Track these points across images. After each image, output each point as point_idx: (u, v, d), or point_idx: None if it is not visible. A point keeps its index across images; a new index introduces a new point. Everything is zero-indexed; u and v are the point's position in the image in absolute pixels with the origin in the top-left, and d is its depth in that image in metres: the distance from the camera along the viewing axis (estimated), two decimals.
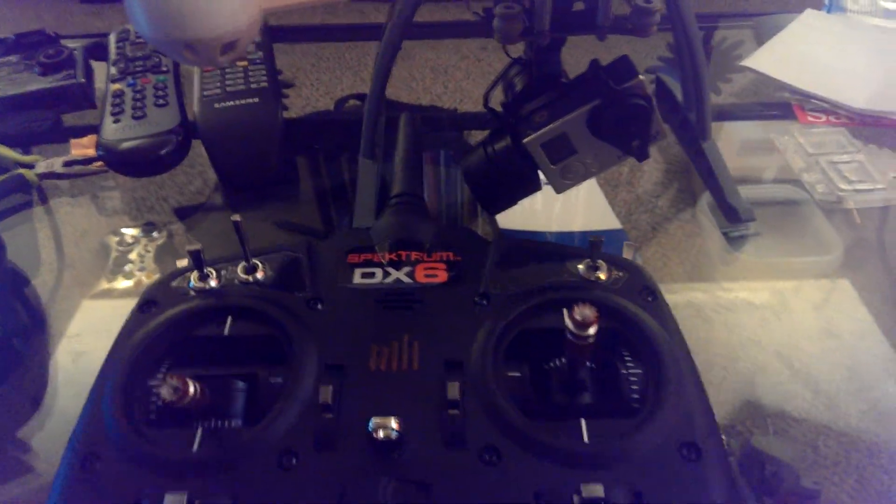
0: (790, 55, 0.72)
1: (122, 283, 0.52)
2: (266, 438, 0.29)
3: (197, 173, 0.61)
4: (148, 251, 0.54)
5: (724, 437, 0.41)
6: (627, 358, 0.32)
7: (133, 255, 0.54)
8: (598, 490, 0.26)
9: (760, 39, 0.75)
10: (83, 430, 0.29)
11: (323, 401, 0.29)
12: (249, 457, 0.28)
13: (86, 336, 0.47)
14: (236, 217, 0.33)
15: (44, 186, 0.58)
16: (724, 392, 0.45)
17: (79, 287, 0.52)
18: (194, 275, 0.35)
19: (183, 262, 0.37)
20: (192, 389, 0.27)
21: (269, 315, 0.33)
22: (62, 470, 0.28)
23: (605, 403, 0.31)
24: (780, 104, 0.68)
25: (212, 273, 0.35)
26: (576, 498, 0.26)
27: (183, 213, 0.58)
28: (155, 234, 0.55)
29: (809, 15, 0.77)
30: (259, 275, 0.35)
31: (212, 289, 0.35)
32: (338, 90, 0.75)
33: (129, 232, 0.56)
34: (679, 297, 0.52)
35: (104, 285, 0.52)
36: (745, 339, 0.49)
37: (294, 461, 0.28)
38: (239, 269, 0.35)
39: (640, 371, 0.32)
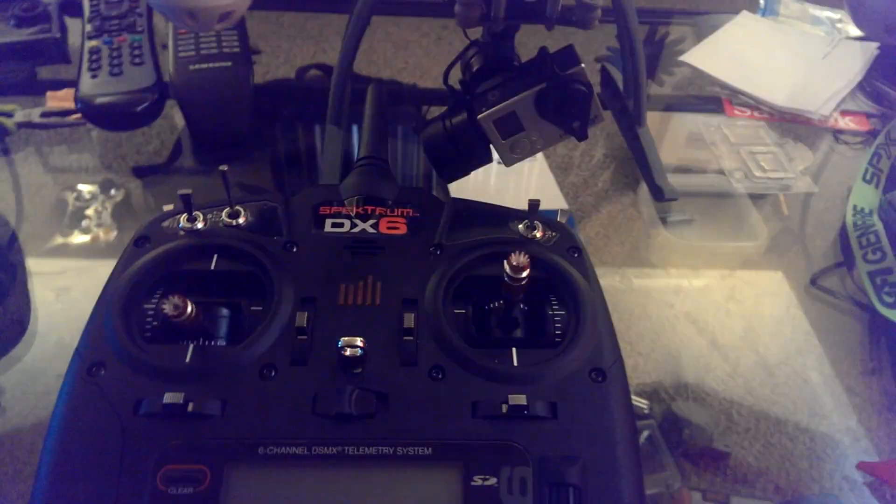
0: (724, 53, 0.77)
1: (79, 238, 0.54)
2: (249, 354, 0.33)
3: (154, 135, 0.63)
4: (105, 208, 0.56)
5: (646, 401, 0.47)
6: (553, 301, 0.37)
7: (90, 212, 0.56)
8: (521, 399, 0.31)
9: (701, 36, 0.80)
10: (88, 342, 0.33)
11: (298, 324, 0.33)
12: (235, 369, 0.32)
13: (69, 275, 0.51)
14: (224, 167, 0.37)
15: (18, 135, 0.60)
16: (651, 362, 0.50)
17: (33, 240, 0.54)
18: (183, 217, 0.39)
19: (169, 207, 0.41)
20: (189, 308, 0.31)
21: (251, 254, 0.37)
22: (69, 377, 0.32)
23: (533, 337, 0.36)
24: (712, 98, 0.73)
25: (199, 216, 0.39)
26: (504, 406, 0.32)
27: (140, 172, 0.60)
28: (113, 191, 0.57)
29: (744, 17, 0.83)
30: (241, 220, 0.39)
31: (199, 229, 0.39)
32: (298, 59, 0.76)
33: (87, 188, 0.58)
34: (616, 274, 0.56)
35: (59, 240, 0.54)
36: (673, 316, 0.53)
37: (273, 373, 0.33)
38: (223, 214, 0.39)
39: (563, 312, 0.37)
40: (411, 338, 0.34)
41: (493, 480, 0.30)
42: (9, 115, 0.59)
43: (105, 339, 0.33)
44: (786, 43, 0.80)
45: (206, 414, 0.31)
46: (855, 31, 0.81)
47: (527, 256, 0.33)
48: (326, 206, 0.41)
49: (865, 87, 0.74)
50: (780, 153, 0.67)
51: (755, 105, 0.72)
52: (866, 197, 0.59)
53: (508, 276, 0.34)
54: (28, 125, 0.60)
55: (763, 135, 0.69)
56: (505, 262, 0.33)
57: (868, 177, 0.61)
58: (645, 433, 0.46)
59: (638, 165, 0.62)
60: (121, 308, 0.34)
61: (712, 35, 0.80)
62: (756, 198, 0.63)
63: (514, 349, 0.35)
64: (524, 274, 0.33)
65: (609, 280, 0.55)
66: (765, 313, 0.54)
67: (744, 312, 0.54)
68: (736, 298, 0.55)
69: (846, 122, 0.70)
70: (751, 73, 0.74)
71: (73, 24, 0.68)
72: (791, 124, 0.70)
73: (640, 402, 0.47)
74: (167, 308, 0.31)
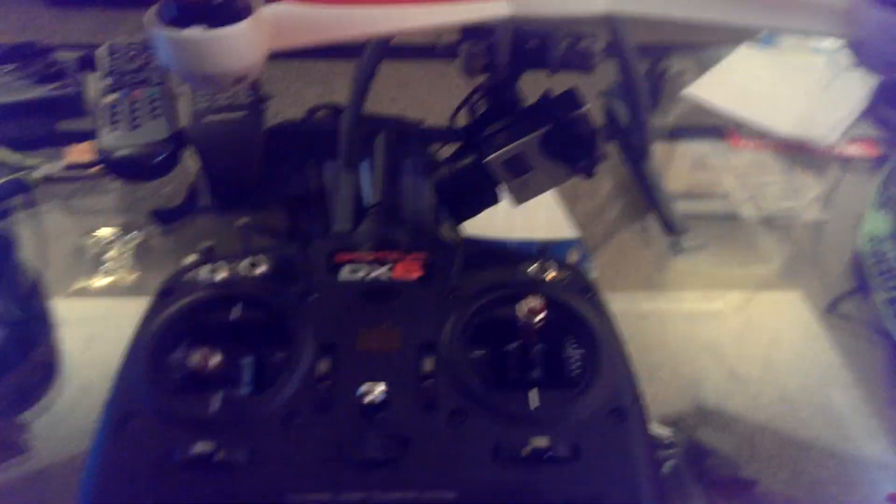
0: (726, 85, 0.78)
1: (101, 281, 0.55)
2: (273, 403, 0.34)
3: (170, 177, 0.63)
4: (126, 250, 0.58)
5: (669, 430, 0.47)
6: (571, 342, 0.38)
7: (111, 254, 0.57)
8: (543, 441, 0.32)
9: (702, 68, 0.81)
10: (118, 395, 0.34)
11: (320, 372, 0.34)
12: (260, 418, 0.33)
13: (97, 322, 0.52)
14: (243, 220, 0.38)
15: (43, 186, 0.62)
16: (671, 390, 0.50)
17: (56, 284, 0.55)
18: (205, 268, 0.40)
19: (191, 258, 0.42)
20: (214, 360, 0.32)
21: (271, 303, 0.38)
22: (101, 430, 0.33)
23: (551, 378, 0.37)
24: (717, 129, 0.73)
25: (220, 267, 0.40)
26: (525, 449, 0.32)
27: (158, 215, 0.61)
28: (133, 233, 0.59)
29: (745, 49, 0.84)
30: (261, 269, 0.40)
31: (220, 281, 0.40)
32: (307, 100, 0.77)
33: (107, 232, 0.59)
34: (631, 302, 0.56)
35: (82, 283, 0.55)
36: (692, 343, 0.53)
37: (297, 421, 0.33)
38: (243, 265, 0.40)
39: (580, 352, 0.37)
40: (431, 381, 0.35)
41: None
42: (33, 169, 0.61)
43: (134, 392, 0.34)
44: (788, 73, 0.81)
45: (234, 463, 0.32)
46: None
47: (541, 300, 0.34)
48: (342, 253, 0.42)
49: (871, 112, 0.74)
50: (787, 182, 0.67)
51: (760, 135, 0.72)
52: (879, 224, 0.59)
53: (523, 319, 0.34)
54: (52, 179, 0.61)
55: (770, 164, 0.69)
56: (518, 306, 0.34)
57: (880, 203, 0.61)
58: (669, 463, 0.45)
59: (646, 199, 0.63)
60: (148, 360, 0.35)
61: (714, 67, 0.81)
62: (767, 224, 0.63)
63: (532, 391, 0.35)
64: (539, 317, 0.34)
65: (624, 307, 0.55)
66: (783, 340, 0.54)
67: (762, 340, 0.54)
68: (753, 326, 0.55)
69: (854, 149, 0.71)
70: (755, 103, 0.75)
71: (92, 79, 0.70)
72: (798, 153, 0.71)
73: (662, 432, 0.47)
74: (194, 360, 0.32)
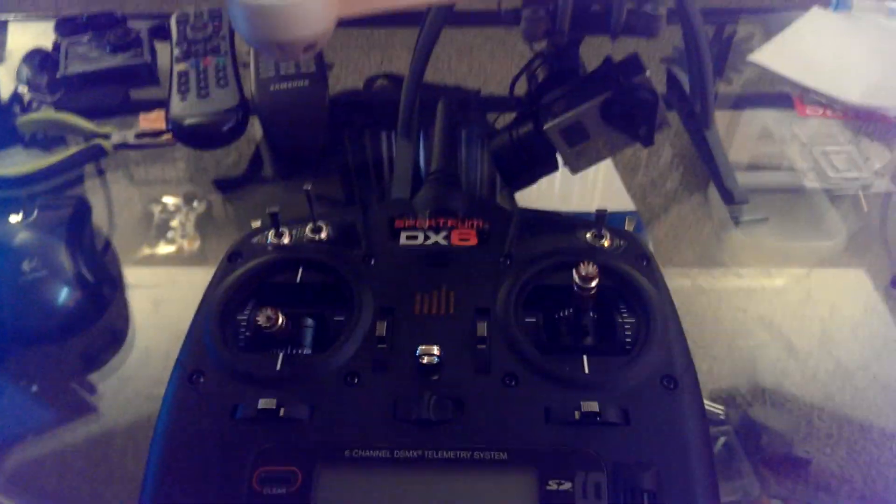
0: (794, 51, 0.75)
1: (165, 249, 0.57)
2: (334, 362, 0.35)
3: (233, 148, 0.65)
4: (189, 219, 0.59)
5: (722, 406, 0.47)
6: (623, 310, 0.38)
7: (175, 223, 0.59)
8: (594, 406, 0.33)
9: (769, 34, 0.78)
10: (188, 352, 0.36)
11: (379, 333, 0.36)
12: (321, 376, 0.35)
13: (163, 287, 0.55)
14: (308, 186, 0.40)
15: (116, 155, 0.64)
16: (726, 366, 0.49)
17: (124, 252, 0.57)
18: (271, 232, 0.42)
19: (257, 223, 0.44)
20: (280, 320, 0.34)
21: (333, 267, 0.40)
22: (171, 385, 0.35)
23: (603, 345, 0.37)
24: (782, 96, 0.71)
25: (285, 231, 0.42)
26: (576, 413, 0.33)
27: (221, 185, 0.63)
28: (195, 203, 0.61)
29: (815, 13, 0.80)
30: (323, 235, 0.42)
31: (285, 245, 0.41)
32: (366, 69, 0.78)
33: (171, 201, 0.61)
34: (687, 276, 0.55)
35: (147, 250, 0.57)
36: (749, 318, 0.52)
37: (356, 380, 0.35)
38: (307, 230, 0.42)
39: (633, 320, 0.38)
40: (484, 346, 0.36)
41: (567, 485, 0.31)
42: (107, 136, 0.64)
43: (204, 349, 0.36)
44: (860, 38, 0.78)
45: (296, 418, 0.33)
46: None
47: (595, 266, 0.34)
48: (401, 219, 0.43)
49: None
50: (854, 152, 0.65)
51: (828, 103, 0.70)
52: None
53: (577, 285, 0.35)
54: (124, 146, 0.64)
55: (836, 133, 0.67)
56: (574, 271, 0.35)
57: None
58: (721, 440, 0.45)
59: (706, 168, 0.61)
60: (217, 320, 0.37)
61: (782, 33, 0.78)
62: (832, 196, 0.61)
63: (585, 357, 0.36)
64: (593, 283, 0.34)
65: (679, 282, 0.55)
66: (843, 316, 0.53)
67: (821, 315, 0.52)
68: (812, 301, 0.54)
69: None
70: (823, 70, 0.72)
71: (162, 48, 0.72)
72: (866, 122, 0.68)
73: (715, 408, 0.47)
74: (261, 320, 0.34)
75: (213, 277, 0.40)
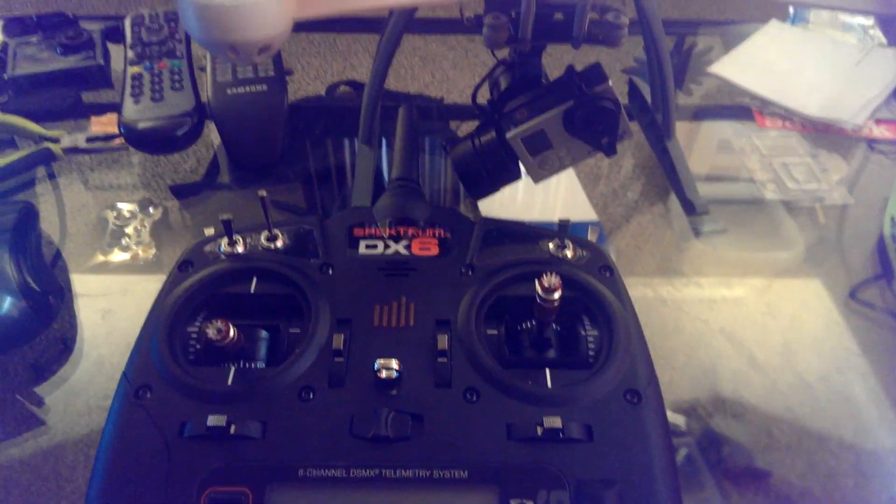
0: (753, 63, 0.76)
1: (119, 256, 0.55)
2: (288, 376, 0.34)
3: (190, 153, 0.64)
4: (144, 226, 0.58)
5: (683, 418, 0.47)
6: (586, 322, 0.38)
7: (130, 230, 0.57)
8: (556, 421, 0.32)
9: (728, 46, 0.79)
10: (134, 366, 0.35)
11: (335, 346, 0.34)
12: (274, 391, 0.33)
13: (114, 296, 0.53)
14: (263, 192, 0.38)
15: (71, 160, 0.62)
16: (687, 377, 0.49)
17: (76, 259, 0.55)
18: (224, 241, 0.40)
19: (210, 231, 0.42)
20: (231, 332, 0.33)
21: (289, 277, 0.38)
22: (117, 399, 0.34)
23: (566, 358, 0.37)
24: (742, 108, 0.72)
25: (239, 240, 0.40)
26: (538, 428, 0.32)
27: (178, 191, 0.62)
28: (151, 209, 0.59)
29: (773, 26, 0.82)
30: (279, 243, 0.40)
31: (239, 253, 0.40)
32: (328, 76, 0.77)
33: (126, 207, 0.59)
34: (648, 286, 0.55)
35: (100, 258, 0.55)
36: (708, 330, 0.52)
37: (311, 395, 0.33)
38: (262, 238, 0.41)
39: (595, 333, 0.37)
40: (445, 359, 0.35)
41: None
42: (56, 140, 0.61)
43: (151, 363, 0.35)
44: (817, 51, 0.79)
45: (247, 436, 0.32)
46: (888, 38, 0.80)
47: (558, 277, 0.33)
48: (360, 228, 0.42)
49: None
50: (813, 164, 0.66)
51: (786, 115, 0.71)
52: None
53: (540, 297, 0.34)
54: (74, 150, 0.62)
55: (795, 145, 0.68)
56: (536, 283, 0.34)
57: None
58: (682, 451, 0.45)
59: (668, 179, 0.62)
60: (165, 332, 0.36)
61: (741, 45, 0.79)
62: (791, 207, 0.62)
63: (547, 370, 0.35)
64: (556, 295, 0.34)
65: (641, 292, 0.55)
66: (803, 327, 0.53)
67: (781, 326, 0.53)
68: (772, 312, 0.54)
69: (881, 131, 0.69)
70: (781, 82, 0.74)
71: (116, 50, 0.70)
72: (824, 134, 0.69)
73: (676, 419, 0.46)
74: (211, 332, 0.32)
75: (163, 287, 0.38)
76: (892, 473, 0.44)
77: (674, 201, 0.62)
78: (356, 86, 0.75)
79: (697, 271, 0.57)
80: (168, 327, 0.36)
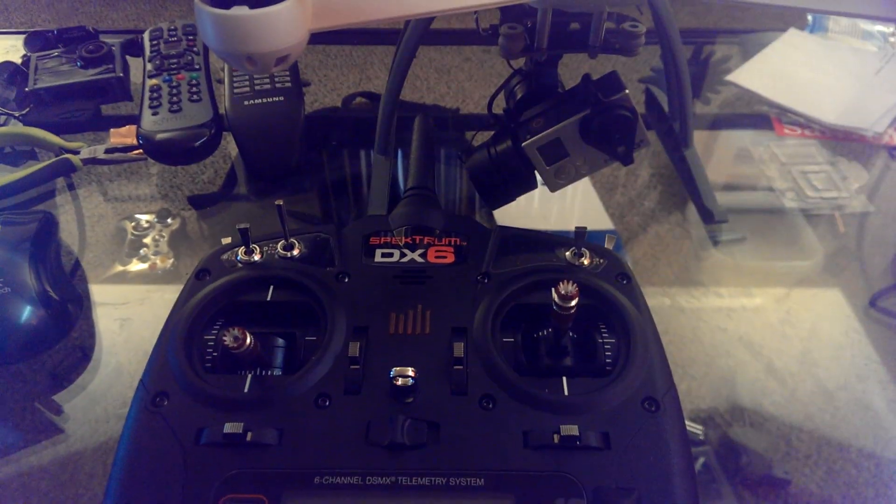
0: (771, 71, 0.76)
1: (137, 266, 0.56)
2: (304, 384, 0.34)
3: (208, 164, 0.65)
4: (162, 236, 0.58)
5: (701, 427, 0.46)
6: (603, 330, 0.37)
7: (148, 240, 0.58)
8: (573, 429, 0.32)
9: (746, 55, 0.79)
10: (152, 374, 0.35)
11: (351, 354, 0.34)
12: (290, 398, 0.33)
13: (132, 305, 0.53)
14: (279, 202, 0.38)
15: (84, 169, 0.63)
16: (705, 386, 0.49)
17: (94, 269, 0.56)
18: (241, 249, 0.40)
19: (227, 240, 0.42)
20: (248, 340, 0.33)
21: (305, 285, 0.38)
22: (134, 407, 0.34)
23: (583, 365, 0.36)
24: (761, 117, 0.72)
25: (256, 249, 0.40)
26: (555, 436, 0.32)
27: (195, 202, 0.62)
28: (169, 220, 0.60)
29: (792, 34, 0.82)
30: (295, 252, 0.41)
31: (256, 262, 0.40)
32: (344, 87, 0.78)
33: (144, 217, 0.60)
34: (665, 296, 0.55)
35: (119, 268, 0.56)
36: (727, 338, 0.51)
37: (327, 403, 0.33)
38: (279, 247, 0.41)
39: (613, 340, 0.37)
40: (461, 367, 0.35)
41: None
42: (76, 152, 0.62)
43: (168, 370, 0.35)
44: (836, 59, 0.79)
45: (264, 443, 0.32)
46: None
47: (575, 285, 0.33)
48: (376, 236, 0.42)
49: None
50: (832, 172, 0.65)
51: (806, 123, 0.70)
52: None
53: (557, 304, 0.34)
54: (93, 161, 0.62)
55: (815, 153, 0.68)
56: (553, 290, 0.34)
57: None
58: (700, 460, 0.45)
59: (686, 187, 0.61)
60: (183, 340, 0.36)
61: (759, 53, 0.79)
62: (810, 215, 0.61)
63: (564, 378, 0.35)
64: (573, 303, 0.33)
65: (658, 302, 0.54)
66: (823, 336, 0.52)
67: (801, 335, 0.52)
68: (792, 321, 0.53)
69: None
70: (800, 90, 0.73)
71: (135, 63, 0.71)
72: (844, 142, 0.69)
73: (694, 428, 0.46)
74: (228, 340, 0.32)
75: (180, 295, 0.38)
76: None
77: (691, 210, 0.61)
78: (372, 97, 0.76)
79: (716, 281, 0.57)
80: (185, 335, 0.36)
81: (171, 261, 0.57)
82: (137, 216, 0.60)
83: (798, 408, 0.47)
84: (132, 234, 0.59)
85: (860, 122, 0.69)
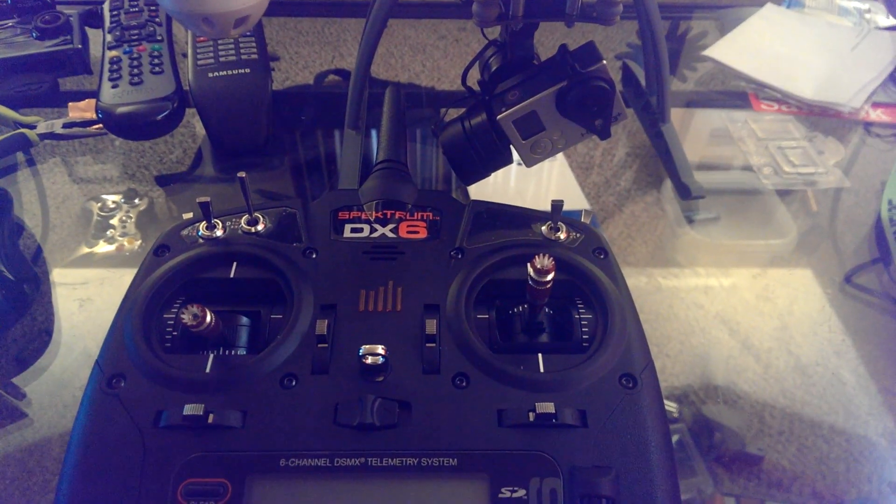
0: (748, 47, 0.76)
1: (104, 248, 0.54)
2: (269, 363, 0.33)
3: (177, 143, 0.63)
4: (129, 217, 0.56)
5: (676, 404, 0.46)
6: (580, 305, 0.36)
7: (115, 221, 0.56)
8: (549, 407, 0.30)
9: (723, 30, 0.79)
10: (107, 354, 0.33)
11: (319, 332, 0.33)
12: (255, 379, 0.32)
13: (92, 285, 0.51)
14: (242, 174, 0.37)
15: (42, 146, 0.61)
16: (680, 364, 0.49)
17: (59, 251, 0.54)
18: (202, 224, 0.38)
19: (189, 215, 0.41)
20: (208, 318, 0.31)
21: (270, 261, 0.37)
22: (90, 388, 0.32)
23: (559, 342, 0.36)
24: (738, 93, 0.72)
25: (218, 224, 0.39)
26: (531, 414, 0.31)
27: (163, 181, 0.60)
28: (136, 200, 0.58)
29: (769, 9, 0.81)
30: (260, 227, 0.39)
31: (218, 237, 0.38)
32: (317, 65, 0.76)
33: (111, 198, 0.58)
34: (642, 275, 0.55)
35: (84, 250, 0.54)
36: (703, 317, 0.52)
37: (294, 383, 0.32)
38: (242, 221, 0.39)
39: (589, 316, 0.36)
40: (434, 344, 0.34)
41: (521, 492, 0.29)
42: (31, 126, 0.60)
43: (125, 351, 0.33)
44: (813, 35, 0.79)
45: (226, 425, 0.31)
46: (885, 21, 0.79)
47: (551, 259, 0.32)
48: (345, 211, 0.41)
49: None
50: (809, 147, 0.65)
51: (782, 99, 0.70)
52: None
53: (532, 279, 0.33)
54: (51, 136, 0.60)
55: (791, 129, 0.67)
56: (529, 265, 0.33)
57: None
58: (675, 437, 0.45)
59: (663, 163, 0.61)
60: (140, 319, 0.34)
61: (736, 29, 0.79)
62: (784, 194, 0.61)
63: (539, 355, 0.34)
64: (549, 277, 0.32)
65: (635, 281, 0.54)
66: (798, 313, 0.52)
67: (776, 312, 0.52)
68: (767, 298, 0.53)
69: (878, 115, 0.69)
70: (777, 66, 0.73)
71: (94, 35, 0.69)
72: (820, 118, 0.69)
73: (669, 406, 0.46)
74: (186, 318, 0.31)
75: (137, 273, 0.37)
76: (883, 458, 0.44)
77: (667, 190, 0.61)
78: (345, 75, 0.74)
79: (691, 259, 0.57)
80: (143, 314, 0.34)
81: (139, 242, 0.55)
82: (104, 196, 0.58)
83: (772, 384, 0.48)
84: (98, 214, 0.57)
85: (837, 98, 0.69)
